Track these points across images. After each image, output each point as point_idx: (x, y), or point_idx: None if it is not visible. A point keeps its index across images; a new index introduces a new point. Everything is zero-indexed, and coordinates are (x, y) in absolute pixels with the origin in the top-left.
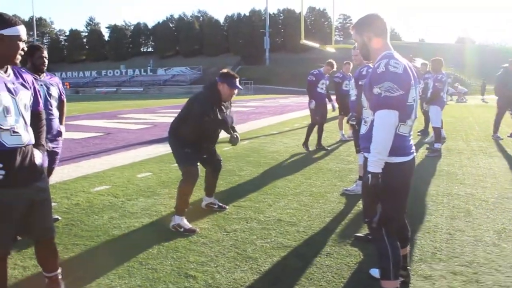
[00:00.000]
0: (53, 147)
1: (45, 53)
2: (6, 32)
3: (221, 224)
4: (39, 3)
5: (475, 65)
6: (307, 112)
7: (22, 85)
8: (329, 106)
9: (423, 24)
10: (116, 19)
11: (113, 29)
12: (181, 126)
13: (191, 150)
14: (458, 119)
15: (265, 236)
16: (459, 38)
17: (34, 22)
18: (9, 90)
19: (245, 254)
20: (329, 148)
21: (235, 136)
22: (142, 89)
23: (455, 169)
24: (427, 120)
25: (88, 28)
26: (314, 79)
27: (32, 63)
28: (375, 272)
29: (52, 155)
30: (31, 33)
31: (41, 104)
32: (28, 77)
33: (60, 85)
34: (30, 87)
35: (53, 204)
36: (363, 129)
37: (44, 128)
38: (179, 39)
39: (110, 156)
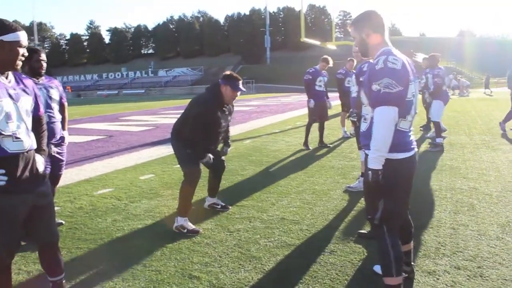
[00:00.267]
0: (58, 152)
1: (43, 56)
2: (6, 38)
3: (224, 224)
4: (39, 8)
5: (476, 59)
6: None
7: (23, 90)
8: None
9: (423, 18)
10: (117, 22)
11: (114, 32)
12: (182, 127)
13: (193, 151)
14: (461, 113)
15: (269, 235)
16: (460, 31)
17: (35, 27)
18: (10, 96)
19: (248, 254)
20: (331, 145)
21: (224, 150)
22: (143, 91)
23: (458, 163)
24: (429, 115)
25: (89, 31)
26: (310, 77)
27: (30, 66)
28: (378, 269)
29: (57, 162)
30: (32, 37)
31: (42, 109)
32: (29, 82)
33: (60, 88)
34: (31, 93)
35: (56, 208)
36: (363, 126)
37: (46, 133)
38: (179, 40)
39: (113, 159)
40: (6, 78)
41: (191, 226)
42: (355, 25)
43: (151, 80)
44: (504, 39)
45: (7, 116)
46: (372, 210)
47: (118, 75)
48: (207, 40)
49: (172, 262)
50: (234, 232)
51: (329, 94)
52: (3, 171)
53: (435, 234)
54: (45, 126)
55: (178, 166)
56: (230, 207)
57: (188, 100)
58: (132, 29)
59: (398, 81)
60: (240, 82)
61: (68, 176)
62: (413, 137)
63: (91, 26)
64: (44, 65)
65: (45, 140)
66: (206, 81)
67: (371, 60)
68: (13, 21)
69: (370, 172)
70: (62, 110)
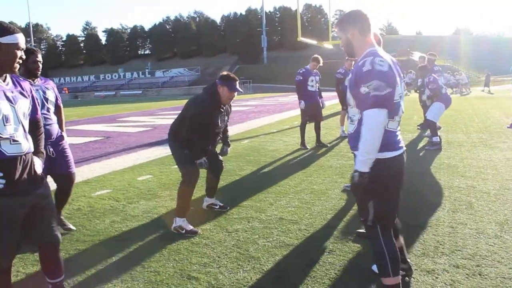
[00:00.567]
0: (60, 150)
1: (40, 57)
2: (4, 40)
3: (223, 224)
4: (35, 9)
5: (472, 57)
6: None
7: (21, 93)
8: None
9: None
10: (113, 23)
11: (110, 32)
12: (179, 128)
13: (190, 152)
14: (458, 111)
15: (267, 235)
16: (457, 29)
17: (31, 28)
18: (8, 98)
19: (247, 254)
20: (329, 145)
21: (224, 150)
22: (140, 92)
23: (455, 161)
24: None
25: (85, 32)
26: (301, 78)
27: (26, 67)
28: (376, 268)
29: (61, 159)
30: (28, 39)
31: (39, 112)
32: (26, 85)
33: (56, 89)
34: (29, 95)
35: None
36: (351, 128)
37: (43, 135)
38: (176, 40)
39: (110, 160)
40: (4, 80)
41: (189, 226)
42: (340, 25)
43: (148, 81)
44: (500, 37)
45: (5, 119)
46: (363, 212)
47: (115, 76)
48: (204, 41)
49: (170, 263)
50: (233, 233)
51: (326, 94)
52: (0, 174)
53: (434, 233)
54: (42, 129)
55: (176, 167)
56: (228, 207)
57: (185, 101)
58: (129, 30)
59: (387, 83)
60: (237, 82)
61: None
62: (400, 136)
63: (88, 27)
64: (40, 66)
65: (42, 143)
66: (203, 82)
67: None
68: (9, 22)
69: (356, 174)
70: (58, 112)
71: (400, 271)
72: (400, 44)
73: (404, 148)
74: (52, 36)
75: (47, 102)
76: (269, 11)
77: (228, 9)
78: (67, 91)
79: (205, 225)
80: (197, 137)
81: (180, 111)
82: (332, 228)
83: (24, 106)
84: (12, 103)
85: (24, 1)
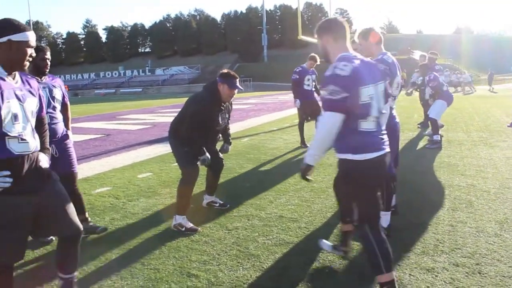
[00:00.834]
0: (63, 150)
1: (48, 55)
2: (15, 37)
3: (223, 222)
4: (35, 7)
5: (473, 56)
6: None
7: (29, 91)
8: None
9: (420, 15)
10: (113, 21)
11: (110, 30)
12: (180, 126)
13: (190, 150)
14: (458, 110)
15: (267, 233)
16: (457, 28)
17: (31, 26)
18: (17, 97)
19: (247, 252)
20: None
21: (224, 148)
22: (141, 90)
23: (455, 160)
24: (426, 113)
25: (85, 30)
26: (298, 77)
27: (35, 64)
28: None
29: (64, 158)
30: None
31: (45, 110)
32: (34, 83)
33: (63, 87)
34: (36, 94)
35: None
36: None
37: (47, 132)
38: (176, 38)
39: (110, 158)
40: (13, 78)
41: (189, 224)
42: (317, 32)
43: (148, 79)
44: (501, 36)
45: (14, 117)
46: (347, 212)
47: (115, 73)
48: (204, 39)
49: (170, 260)
50: (233, 230)
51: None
52: (8, 172)
53: (434, 231)
54: (47, 126)
55: (176, 164)
56: (228, 205)
57: (185, 99)
58: (129, 28)
59: (342, 87)
60: (237, 80)
61: None
62: (385, 137)
63: (88, 24)
64: (49, 63)
65: (47, 140)
66: (203, 80)
67: (369, 58)
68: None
69: (303, 165)
70: (65, 110)
71: (340, 251)
72: (401, 42)
73: (386, 151)
74: (52, 34)
75: (54, 101)
76: (270, 10)
77: (229, 7)
78: (67, 89)
79: (205, 223)
80: (197, 135)
81: (180, 109)
82: (332, 226)
83: (32, 104)
84: (21, 102)
85: None
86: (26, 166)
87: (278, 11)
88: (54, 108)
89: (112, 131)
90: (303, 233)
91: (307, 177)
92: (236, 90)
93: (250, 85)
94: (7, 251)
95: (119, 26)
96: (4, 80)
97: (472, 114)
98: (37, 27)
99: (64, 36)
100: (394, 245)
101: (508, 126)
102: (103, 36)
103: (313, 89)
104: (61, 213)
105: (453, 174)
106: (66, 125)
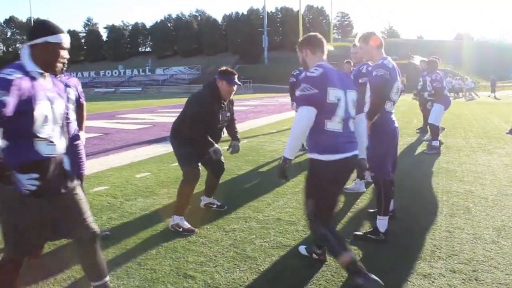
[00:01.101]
0: (73, 151)
1: (67, 53)
2: (51, 39)
3: (220, 223)
4: (36, 4)
5: (474, 62)
6: None
7: (58, 93)
8: None
9: (421, 20)
10: (114, 19)
11: (111, 29)
12: (181, 126)
13: (192, 150)
14: (457, 116)
15: (264, 236)
16: (458, 34)
17: (32, 23)
18: (48, 98)
19: (244, 254)
20: None
21: (233, 145)
22: (140, 89)
23: (454, 166)
24: (426, 118)
25: (86, 28)
26: (295, 80)
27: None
28: (303, 250)
29: (73, 160)
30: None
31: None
32: (61, 85)
33: (79, 87)
34: (64, 96)
35: None
36: None
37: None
38: (177, 38)
39: (109, 157)
40: (45, 79)
41: (186, 225)
42: (298, 46)
43: (148, 78)
44: (501, 43)
45: (45, 119)
46: (305, 206)
47: (115, 72)
48: (205, 39)
49: (167, 261)
50: (230, 232)
51: None
52: (37, 175)
53: (431, 237)
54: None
55: (175, 164)
56: (226, 206)
57: (186, 99)
58: (130, 27)
59: (313, 85)
60: (236, 76)
61: None
62: (354, 140)
63: (89, 23)
64: (66, 62)
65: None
66: (204, 80)
67: (370, 62)
68: (10, 17)
69: (281, 160)
70: (80, 109)
71: (314, 255)
72: (401, 47)
73: (352, 153)
74: None
75: (68, 101)
76: (271, 12)
77: (230, 8)
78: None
79: (203, 224)
80: (199, 133)
81: (180, 109)
82: None
83: (60, 106)
84: (51, 104)
85: None
86: (52, 168)
87: (279, 13)
88: (67, 107)
89: (111, 130)
90: (300, 236)
91: (286, 174)
92: (235, 86)
93: (250, 86)
94: (25, 250)
95: (120, 25)
96: (37, 80)
97: (471, 121)
98: None
99: None
100: (391, 250)
101: (506, 133)
102: (104, 34)
103: None
104: (79, 216)
105: (451, 180)
106: (80, 125)
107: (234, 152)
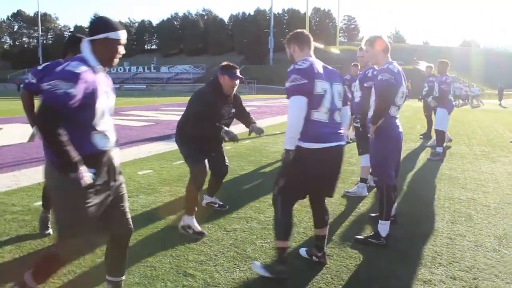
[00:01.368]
0: None
1: (123, 49)
2: (111, 35)
3: (221, 223)
4: None
5: (480, 70)
6: None
7: (110, 87)
8: None
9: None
10: (121, 16)
11: None
12: (186, 124)
13: (197, 148)
14: (461, 123)
15: (265, 236)
16: (464, 41)
17: (39, 17)
18: (105, 92)
19: (244, 254)
20: None
21: (254, 127)
22: (145, 87)
23: (457, 173)
24: (429, 123)
25: None
26: None
27: (75, 54)
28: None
29: None
30: (35, 28)
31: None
32: (110, 80)
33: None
34: (113, 91)
35: None
36: None
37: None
38: (183, 37)
39: None
40: (102, 74)
41: (197, 227)
42: (286, 41)
43: (153, 76)
44: (507, 51)
45: (102, 113)
46: (276, 181)
47: (120, 69)
48: (211, 39)
49: (167, 258)
50: (231, 232)
51: None
52: (94, 170)
53: (432, 243)
54: None
55: (177, 162)
56: (227, 206)
57: (189, 97)
58: (136, 24)
59: (302, 75)
60: (237, 70)
61: None
62: (340, 131)
63: None
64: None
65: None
66: (208, 79)
67: (375, 66)
68: (17, 11)
69: (284, 153)
70: None
71: (314, 257)
72: (407, 53)
73: (338, 143)
74: (60, 26)
75: None
76: (278, 13)
77: (237, 8)
78: None
79: (204, 223)
80: (202, 132)
81: (185, 108)
82: (331, 233)
83: (112, 100)
84: (107, 98)
85: None
86: (105, 161)
87: (286, 14)
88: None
89: (114, 126)
90: (301, 238)
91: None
92: (237, 80)
93: (254, 87)
94: (88, 244)
95: (126, 22)
96: (98, 74)
97: (475, 128)
98: (45, 18)
99: (72, 29)
100: (392, 255)
101: (510, 141)
102: None
103: None
104: (122, 211)
105: (453, 187)
106: None
107: (259, 132)
